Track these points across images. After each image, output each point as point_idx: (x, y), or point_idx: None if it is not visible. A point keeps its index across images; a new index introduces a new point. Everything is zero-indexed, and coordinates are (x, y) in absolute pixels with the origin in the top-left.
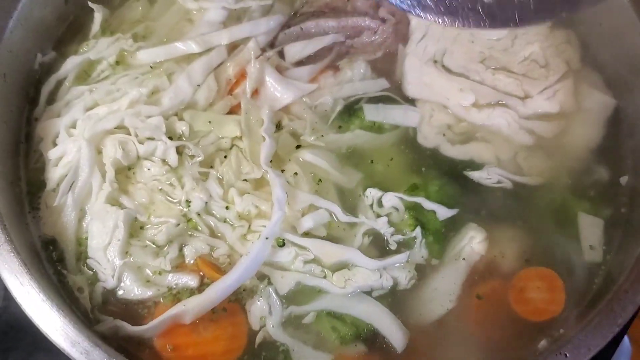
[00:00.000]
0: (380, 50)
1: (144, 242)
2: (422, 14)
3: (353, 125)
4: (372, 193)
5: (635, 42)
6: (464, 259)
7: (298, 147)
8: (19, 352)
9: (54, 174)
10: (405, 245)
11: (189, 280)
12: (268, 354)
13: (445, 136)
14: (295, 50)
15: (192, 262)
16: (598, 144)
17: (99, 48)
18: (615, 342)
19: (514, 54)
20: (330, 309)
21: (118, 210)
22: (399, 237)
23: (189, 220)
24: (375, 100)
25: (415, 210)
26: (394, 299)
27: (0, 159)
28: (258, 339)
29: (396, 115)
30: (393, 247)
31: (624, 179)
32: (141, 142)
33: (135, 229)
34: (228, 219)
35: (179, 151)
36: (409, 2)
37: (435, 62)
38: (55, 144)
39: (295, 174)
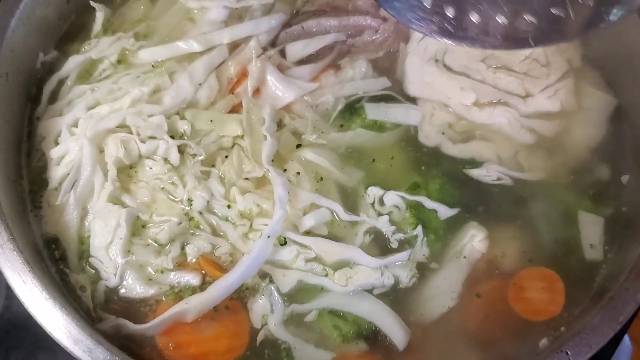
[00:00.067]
0: (382, 49)
1: (146, 240)
2: (443, 39)
3: (354, 124)
4: (374, 192)
5: (636, 41)
6: (465, 257)
7: (299, 146)
8: (20, 351)
9: (56, 173)
10: (406, 244)
11: (191, 279)
12: (270, 352)
13: (446, 135)
14: (297, 49)
15: (194, 260)
16: (599, 142)
17: (100, 47)
18: (616, 341)
19: (515, 53)
20: (331, 307)
21: (120, 208)
22: (400, 235)
23: (191, 218)
24: (377, 99)
25: (416, 208)
26: (396, 297)
27: (3, 157)
28: (260, 337)
29: (397, 114)
30: (394, 245)
31: (625, 178)
32: (143, 141)
33: (137, 227)
34: (230, 218)
35: (181, 150)
36: (433, 27)
37: (437, 61)
38: (57, 143)
39: (298, 173)
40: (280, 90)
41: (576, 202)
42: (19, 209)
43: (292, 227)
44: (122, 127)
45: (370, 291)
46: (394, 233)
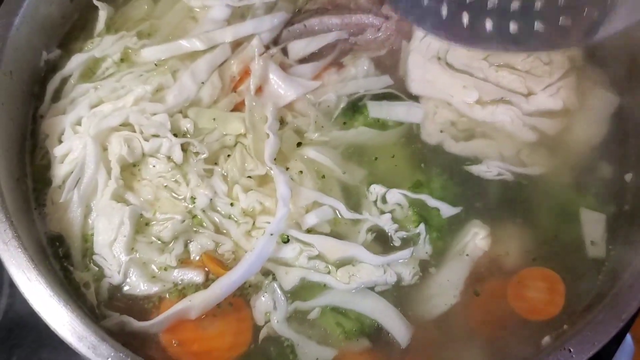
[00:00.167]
0: (384, 47)
1: (149, 238)
2: (458, 42)
3: (357, 122)
4: (376, 190)
5: (639, 39)
6: (467, 255)
7: (299, 144)
8: (23, 349)
9: (59, 171)
10: (409, 242)
11: (195, 276)
12: (273, 349)
13: (448, 133)
14: (299, 47)
15: (197, 258)
16: (601, 141)
17: (103, 46)
18: (618, 339)
19: None
20: (334, 304)
21: (124, 206)
22: (402, 233)
23: (194, 216)
24: (379, 97)
25: (419, 206)
26: (398, 295)
27: (7, 155)
28: (262, 335)
29: (400, 112)
30: (397, 243)
31: (628, 176)
32: (146, 139)
33: (140, 225)
34: (233, 216)
35: (184, 148)
36: (445, 31)
37: (439, 59)
38: (60, 141)
39: (300, 171)
40: (282, 88)
41: (578, 200)
42: (23, 207)
43: (294, 225)
44: (126, 125)
45: (372, 289)
46: (396, 231)
